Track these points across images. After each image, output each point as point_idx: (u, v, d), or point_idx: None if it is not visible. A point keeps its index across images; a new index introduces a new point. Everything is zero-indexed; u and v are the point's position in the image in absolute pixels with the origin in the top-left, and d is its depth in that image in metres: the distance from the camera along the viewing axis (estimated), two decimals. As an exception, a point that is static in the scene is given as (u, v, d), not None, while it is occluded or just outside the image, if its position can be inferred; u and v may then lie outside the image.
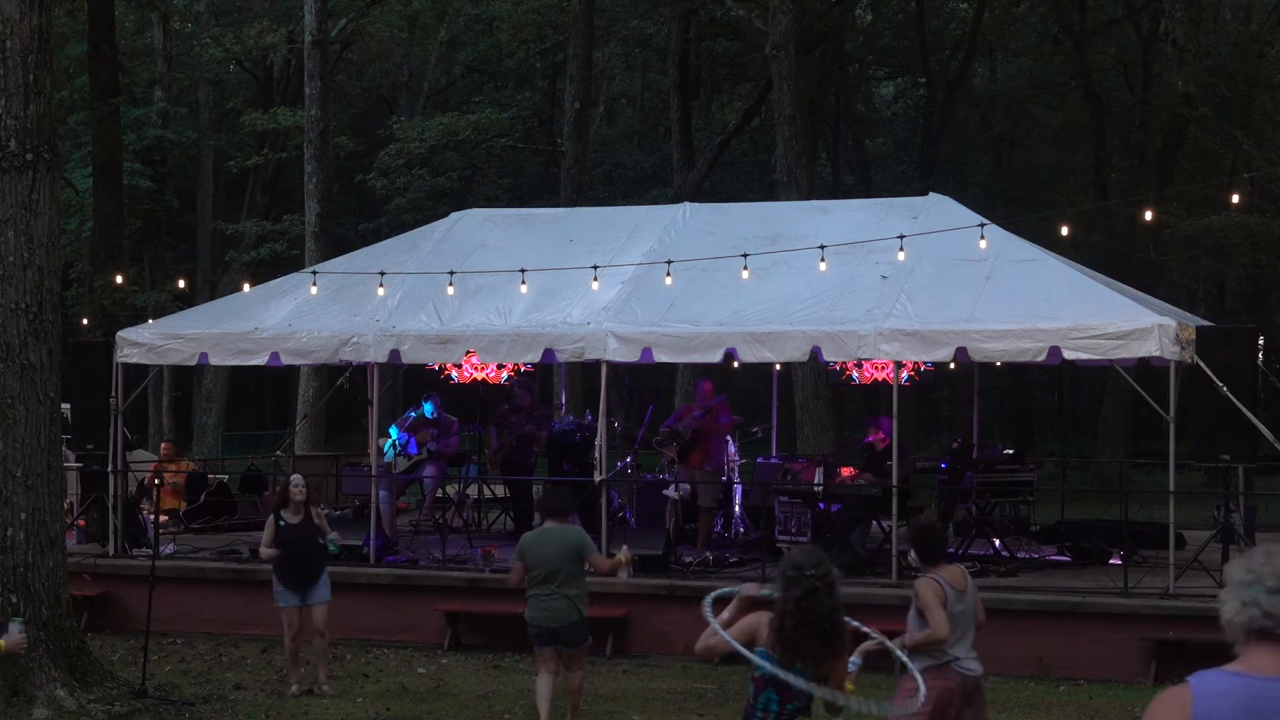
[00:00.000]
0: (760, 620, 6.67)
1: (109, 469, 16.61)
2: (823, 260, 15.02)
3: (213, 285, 36.38)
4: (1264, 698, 3.87)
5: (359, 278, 16.80)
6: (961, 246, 15.05)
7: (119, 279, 23.70)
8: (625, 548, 11.38)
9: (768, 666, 6.45)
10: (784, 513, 16.12)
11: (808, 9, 27.72)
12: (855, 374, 19.11)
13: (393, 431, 17.84)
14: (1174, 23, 29.10)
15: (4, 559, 11.89)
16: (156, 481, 16.12)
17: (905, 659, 7.88)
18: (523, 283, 15.69)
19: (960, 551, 16.10)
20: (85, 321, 24.95)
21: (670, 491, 16.74)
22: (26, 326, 12.04)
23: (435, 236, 18.05)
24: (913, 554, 8.79)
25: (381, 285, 16.17)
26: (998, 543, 16.21)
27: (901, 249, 14.83)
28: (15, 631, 8.93)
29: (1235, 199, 23.10)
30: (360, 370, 18.54)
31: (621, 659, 14.56)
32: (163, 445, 20.64)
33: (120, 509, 16.63)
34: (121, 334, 16.98)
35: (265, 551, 12.85)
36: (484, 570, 15.50)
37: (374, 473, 16.73)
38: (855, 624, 7.05)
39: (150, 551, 15.01)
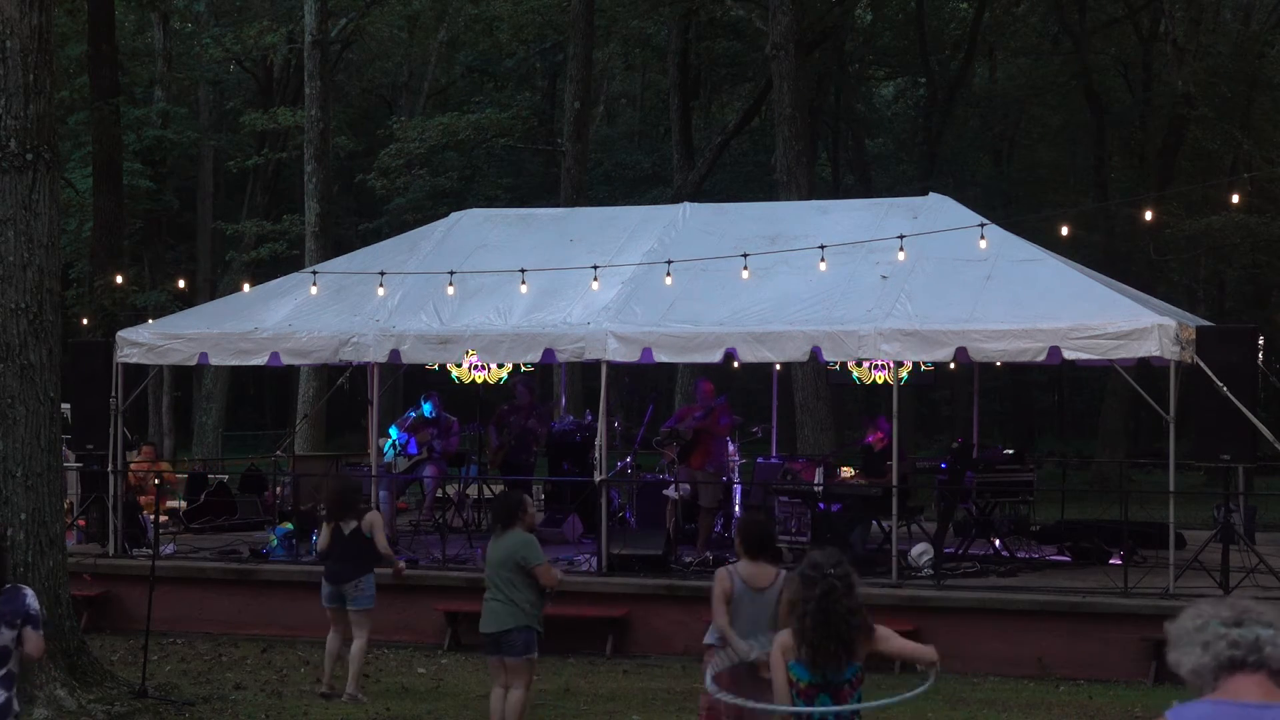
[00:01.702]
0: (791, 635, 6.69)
1: (109, 469, 16.61)
2: (823, 260, 15.02)
3: (213, 285, 36.38)
4: None
5: (359, 278, 16.80)
6: (961, 246, 15.05)
7: (119, 279, 23.70)
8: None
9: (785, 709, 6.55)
10: (784, 513, 16.12)
11: (808, 9, 27.70)
12: (856, 373, 19.12)
13: (393, 431, 17.84)
14: (1174, 23, 29.08)
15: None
16: (157, 482, 16.12)
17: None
18: (523, 283, 15.69)
19: (960, 551, 16.12)
20: (85, 321, 24.95)
21: (670, 491, 16.74)
22: (26, 326, 12.03)
23: (435, 236, 18.05)
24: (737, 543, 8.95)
25: (381, 285, 16.17)
26: (998, 543, 16.21)
27: (901, 249, 14.83)
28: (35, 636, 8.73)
29: (1235, 199, 23.09)
30: (360, 370, 18.54)
31: (621, 659, 14.56)
32: (143, 447, 20.59)
33: (120, 509, 16.63)
34: (121, 334, 16.97)
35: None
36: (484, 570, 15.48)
37: (374, 473, 16.73)
38: None
39: (150, 551, 15.01)
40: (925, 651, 6.85)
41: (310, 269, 18.19)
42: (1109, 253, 30.28)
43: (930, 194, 17.84)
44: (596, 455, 15.70)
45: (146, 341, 16.66)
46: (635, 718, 12.13)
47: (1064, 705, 12.58)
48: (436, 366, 18.49)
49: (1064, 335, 14.08)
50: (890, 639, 6.79)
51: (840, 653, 6.55)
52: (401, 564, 13.35)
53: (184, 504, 19.90)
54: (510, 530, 10.37)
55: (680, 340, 15.19)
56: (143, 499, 17.69)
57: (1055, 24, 35.53)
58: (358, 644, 12.48)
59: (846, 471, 17.48)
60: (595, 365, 15.58)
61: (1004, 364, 17.27)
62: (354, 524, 12.43)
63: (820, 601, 6.50)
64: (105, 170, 25.84)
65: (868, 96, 42.99)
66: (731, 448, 17.52)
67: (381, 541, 12.48)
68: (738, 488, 17.73)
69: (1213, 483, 21.85)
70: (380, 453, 17.30)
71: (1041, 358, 14.42)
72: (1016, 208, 34.62)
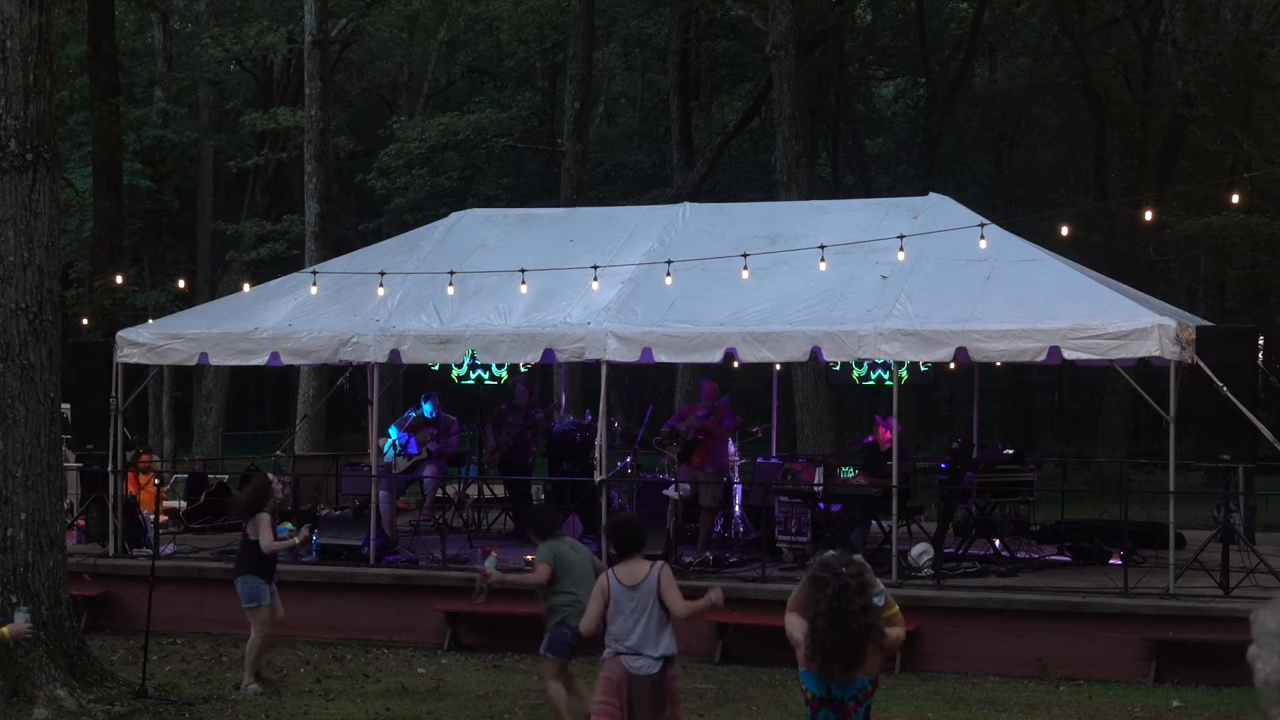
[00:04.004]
0: (798, 640, 6.69)
1: (109, 469, 16.61)
2: (823, 260, 15.02)
3: (213, 285, 36.36)
4: None
5: (359, 278, 16.80)
6: (961, 246, 15.04)
7: (119, 279, 23.68)
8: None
9: None
10: (784, 513, 16.12)
11: (808, 9, 27.68)
12: (856, 372, 19.13)
13: (392, 431, 17.84)
14: (1174, 23, 29.06)
15: (4, 559, 11.89)
16: (157, 482, 16.13)
17: None
18: (523, 283, 15.69)
19: (960, 551, 16.12)
20: (85, 321, 24.94)
21: (670, 492, 16.74)
22: (26, 326, 12.04)
23: (435, 236, 18.04)
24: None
25: (381, 285, 16.17)
26: (998, 543, 16.21)
27: (901, 249, 14.82)
28: (21, 620, 9.34)
29: (1235, 199, 23.05)
30: (360, 370, 18.54)
31: (621, 659, 14.54)
32: (143, 454, 20.63)
33: (120, 509, 16.63)
34: (121, 334, 16.97)
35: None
36: (482, 564, 15.47)
37: (374, 473, 16.73)
38: None
39: (150, 551, 15.01)
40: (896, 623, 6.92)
41: (310, 269, 18.19)
42: (1109, 253, 30.26)
43: (930, 194, 17.83)
44: (596, 455, 15.71)
45: (146, 341, 16.66)
46: (635, 718, 12.12)
47: (1064, 705, 12.58)
48: (437, 366, 18.50)
49: (1064, 335, 14.08)
50: (888, 634, 6.76)
51: (850, 654, 6.50)
52: (292, 539, 13.08)
53: (184, 504, 19.90)
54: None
55: (680, 340, 15.19)
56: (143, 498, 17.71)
57: (1055, 24, 35.50)
58: (250, 639, 12.88)
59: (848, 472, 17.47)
60: (595, 365, 15.58)
61: (1004, 364, 17.27)
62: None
63: (832, 601, 6.48)
64: (105, 170, 25.83)
65: (868, 96, 42.96)
66: (732, 448, 17.52)
67: (265, 541, 12.63)
68: (738, 488, 17.72)
69: (1213, 483, 21.84)
70: (380, 453, 17.30)
71: (1041, 358, 14.42)
72: (1016, 208, 34.60)
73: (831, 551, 6.81)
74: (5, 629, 9.46)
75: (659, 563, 8.77)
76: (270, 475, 13.64)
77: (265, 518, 12.79)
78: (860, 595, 6.49)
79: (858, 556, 6.75)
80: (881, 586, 6.76)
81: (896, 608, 6.88)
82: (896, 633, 6.80)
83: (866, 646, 6.55)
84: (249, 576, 12.83)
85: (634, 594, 8.53)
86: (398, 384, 32.35)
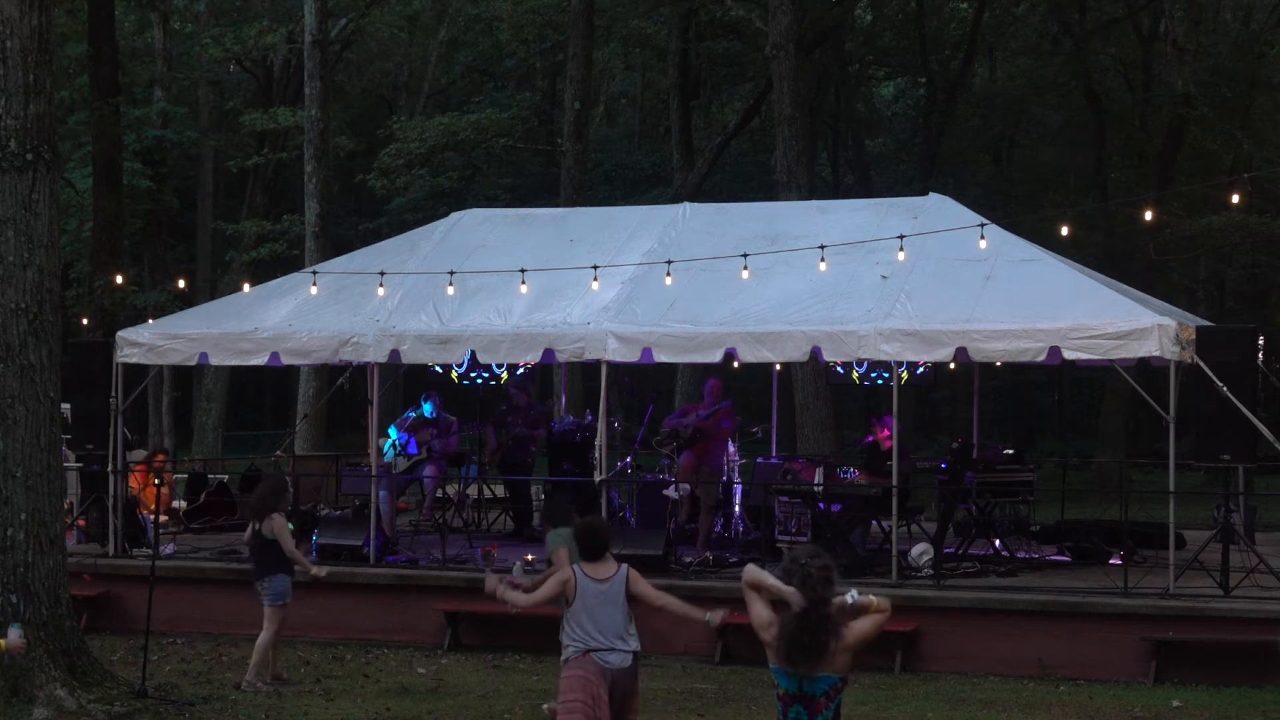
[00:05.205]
0: (767, 640, 6.76)
1: (109, 469, 16.61)
2: (823, 260, 15.02)
3: (213, 285, 36.36)
4: None
5: (359, 278, 16.80)
6: (961, 246, 15.05)
7: (119, 279, 23.68)
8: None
9: None
10: (784, 513, 16.12)
11: (808, 9, 27.69)
12: (857, 372, 19.13)
13: (392, 431, 17.85)
14: (1174, 23, 29.08)
15: (4, 559, 11.89)
16: (156, 481, 16.13)
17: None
18: (523, 283, 15.69)
19: (960, 551, 16.12)
20: (85, 321, 24.94)
21: (670, 491, 16.74)
22: (26, 326, 12.04)
23: (435, 236, 18.05)
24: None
25: (381, 285, 16.17)
26: (998, 543, 16.21)
27: (901, 249, 14.82)
28: (15, 636, 9.33)
29: (1235, 199, 23.02)
30: (360, 370, 18.54)
31: (621, 659, 14.54)
32: (158, 456, 20.71)
33: (120, 509, 16.62)
34: (121, 334, 16.97)
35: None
36: (484, 570, 15.48)
37: (374, 473, 16.73)
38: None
39: (150, 551, 15.02)
40: (876, 615, 6.83)
41: (310, 269, 18.19)
42: (1109, 253, 30.27)
43: (930, 194, 17.83)
44: (596, 455, 15.71)
45: (146, 341, 16.66)
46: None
47: (1064, 705, 12.58)
48: (437, 366, 18.49)
49: (1064, 335, 14.08)
50: (850, 629, 6.79)
51: (811, 644, 6.61)
52: (313, 567, 13.36)
53: (184, 504, 19.90)
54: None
55: (680, 340, 15.20)
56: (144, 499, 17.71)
57: (1055, 24, 35.52)
58: (261, 636, 12.95)
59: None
60: (595, 365, 15.59)
61: (1004, 364, 17.26)
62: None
63: (797, 591, 6.61)
64: (105, 170, 25.83)
65: (868, 96, 42.97)
66: (732, 448, 17.52)
67: (287, 545, 12.85)
68: (738, 487, 17.72)
69: (1213, 483, 21.83)
70: (380, 453, 17.30)
71: (1041, 358, 14.42)
72: (1016, 208, 34.60)
73: (803, 547, 6.93)
74: (1, 641, 9.44)
75: (625, 565, 8.94)
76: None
77: (281, 519, 12.94)
78: (822, 586, 6.60)
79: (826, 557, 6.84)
80: (855, 592, 6.82)
81: (876, 601, 6.83)
82: (861, 627, 6.79)
83: (828, 639, 6.63)
84: (280, 576, 12.96)
85: (603, 588, 8.72)
86: (398, 384, 32.34)
